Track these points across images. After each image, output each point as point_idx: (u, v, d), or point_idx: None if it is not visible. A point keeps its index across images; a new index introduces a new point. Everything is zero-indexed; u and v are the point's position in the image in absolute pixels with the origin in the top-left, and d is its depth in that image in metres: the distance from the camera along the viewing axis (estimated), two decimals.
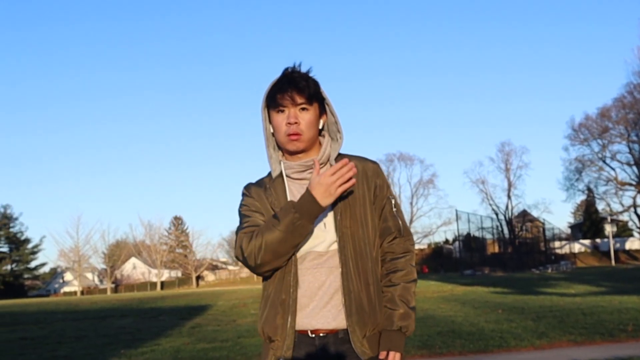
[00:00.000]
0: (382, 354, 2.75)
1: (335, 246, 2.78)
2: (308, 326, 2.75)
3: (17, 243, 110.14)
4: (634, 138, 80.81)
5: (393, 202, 2.95)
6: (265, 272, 2.81)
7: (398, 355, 2.78)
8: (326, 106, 2.93)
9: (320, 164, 2.86)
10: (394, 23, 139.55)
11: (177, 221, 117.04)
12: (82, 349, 13.42)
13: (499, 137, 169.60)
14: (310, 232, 2.73)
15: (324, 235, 2.79)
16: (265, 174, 3.02)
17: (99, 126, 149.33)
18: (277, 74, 2.86)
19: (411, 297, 2.86)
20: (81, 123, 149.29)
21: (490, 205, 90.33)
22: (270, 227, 2.69)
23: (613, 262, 79.41)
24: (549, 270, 61.52)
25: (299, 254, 2.78)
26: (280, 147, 2.94)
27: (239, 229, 2.89)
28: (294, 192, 2.87)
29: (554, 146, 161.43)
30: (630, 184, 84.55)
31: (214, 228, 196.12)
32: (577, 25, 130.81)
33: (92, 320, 23.01)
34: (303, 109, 2.80)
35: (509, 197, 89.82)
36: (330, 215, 2.81)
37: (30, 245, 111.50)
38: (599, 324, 12.85)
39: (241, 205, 2.96)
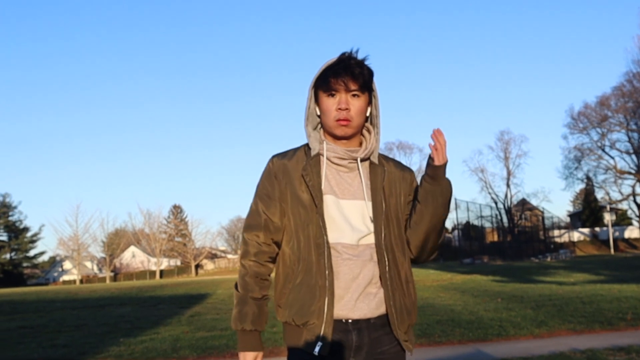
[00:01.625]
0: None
1: (366, 240, 2.81)
2: (342, 317, 2.78)
3: (16, 232, 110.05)
4: (633, 127, 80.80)
5: None
6: None
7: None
8: (372, 98, 2.93)
9: (363, 159, 2.92)
10: (392, 10, 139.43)
11: (176, 210, 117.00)
12: (82, 338, 13.41)
13: (498, 126, 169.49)
14: (336, 223, 2.82)
15: (355, 229, 2.81)
16: (268, 156, 3.00)
17: (98, 114, 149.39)
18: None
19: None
20: (80, 111, 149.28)
21: (490, 193, 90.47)
22: (240, 304, 2.88)
23: (612, 250, 79.54)
24: (548, 259, 61.59)
25: (331, 242, 2.79)
26: (324, 129, 2.94)
27: (246, 223, 2.96)
28: (328, 175, 2.88)
29: (553, 135, 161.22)
30: (630, 173, 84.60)
31: (213, 217, 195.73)
32: (577, 13, 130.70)
33: (91, 308, 23.01)
34: (355, 95, 2.80)
35: (508, 185, 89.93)
36: (367, 209, 2.84)
37: (29, 234, 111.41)
38: (598, 312, 12.87)
39: (260, 182, 2.97)
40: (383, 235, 2.81)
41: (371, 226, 2.82)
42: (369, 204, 2.84)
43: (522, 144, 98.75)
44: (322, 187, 2.83)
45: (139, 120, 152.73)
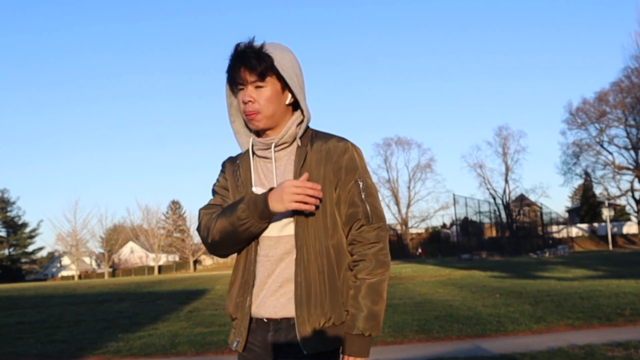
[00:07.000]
0: (345, 359, 2.63)
1: (288, 231, 2.70)
2: (258, 315, 2.71)
3: (15, 227, 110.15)
4: (632, 122, 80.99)
5: (361, 185, 2.73)
6: (219, 255, 2.84)
7: None
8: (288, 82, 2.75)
9: (283, 144, 2.78)
10: (390, 5, 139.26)
11: (175, 205, 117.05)
12: (80, 333, 13.42)
13: (497, 121, 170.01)
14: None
15: (277, 219, 2.70)
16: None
17: (96, 109, 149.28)
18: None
19: (378, 295, 2.65)
20: (79, 106, 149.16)
21: (488, 189, 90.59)
22: (225, 214, 2.70)
23: (610, 246, 79.69)
24: (547, 255, 61.71)
25: (259, 239, 2.75)
26: None
27: (205, 205, 2.91)
28: (258, 169, 2.83)
29: (551, 130, 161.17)
30: (628, 168, 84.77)
31: None
32: (575, 9, 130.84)
33: (89, 304, 23.02)
34: (258, 86, 2.68)
35: (506, 181, 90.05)
36: None
37: (27, 230, 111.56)
38: (596, 308, 12.86)
39: (216, 180, 2.96)
40: (299, 218, 2.66)
41: (290, 215, 2.68)
42: None
43: (521, 139, 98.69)
44: (253, 181, 2.80)
45: (137, 116, 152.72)
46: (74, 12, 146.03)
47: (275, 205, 2.57)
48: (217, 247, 2.79)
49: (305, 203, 2.56)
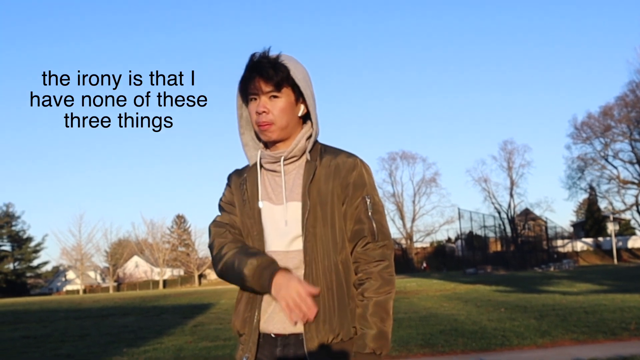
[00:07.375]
0: None
1: (296, 246, 2.68)
2: (266, 330, 2.69)
3: (19, 241, 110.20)
4: (637, 136, 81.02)
5: (369, 201, 2.73)
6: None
7: None
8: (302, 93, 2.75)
9: (292, 157, 2.76)
10: (395, 20, 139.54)
11: (180, 220, 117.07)
12: (85, 348, 13.42)
13: (502, 136, 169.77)
14: (268, 231, 2.74)
15: (284, 234, 2.70)
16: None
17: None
18: None
19: (385, 313, 2.63)
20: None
21: (493, 203, 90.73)
22: (235, 260, 2.69)
23: (615, 260, 79.54)
24: (552, 269, 61.57)
25: (265, 251, 2.74)
26: None
27: (213, 220, 2.90)
28: (265, 182, 2.81)
29: (556, 145, 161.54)
30: (633, 183, 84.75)
31: None
32: (580, 24, 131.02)
33: (94, 318, 23.02)
34: (273, 96, 2.67)
35: (511, 195, 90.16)
36: (294, 212, 2.70)
37: (32, 244, 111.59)
38: (601, 322, 12.84)
39: (222, 195, 2.94)
40: (307, 232, 2.65)
41: (298, 230, 2.67)
42: (290, 206, 2.71)
43: (526, 153, 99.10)
44: (260, 195, 2.77)
45: (142, 129, 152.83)
46: (77, 19, 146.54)
47: (274, 290, 2.58)
48: (224, 278, 2.80)
49: (292, 312, 2.56)
